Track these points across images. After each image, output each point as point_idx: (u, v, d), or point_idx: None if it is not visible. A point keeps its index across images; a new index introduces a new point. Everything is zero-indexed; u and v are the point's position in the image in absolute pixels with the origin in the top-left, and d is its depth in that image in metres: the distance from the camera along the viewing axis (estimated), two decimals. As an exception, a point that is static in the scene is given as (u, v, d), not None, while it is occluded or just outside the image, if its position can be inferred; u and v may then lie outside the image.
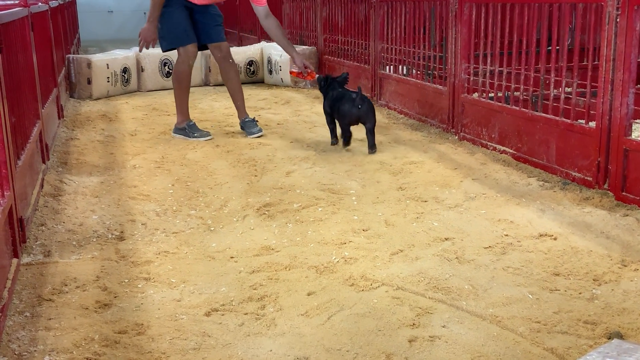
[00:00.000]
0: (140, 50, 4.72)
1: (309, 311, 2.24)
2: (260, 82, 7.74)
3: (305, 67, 4.77)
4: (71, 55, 6.67)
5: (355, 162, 4.13)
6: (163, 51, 4.86)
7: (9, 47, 3.05)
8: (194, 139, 4.81)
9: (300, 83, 7.24)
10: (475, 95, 4.54)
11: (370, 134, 4.35)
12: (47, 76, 4.86)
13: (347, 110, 4.34)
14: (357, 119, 4.35)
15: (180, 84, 4.84)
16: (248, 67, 7.65)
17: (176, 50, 4.77)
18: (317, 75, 4.75)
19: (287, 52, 4.83)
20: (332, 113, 4.56)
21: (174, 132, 4.93)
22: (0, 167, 2.54)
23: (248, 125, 4.93)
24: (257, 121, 5.00)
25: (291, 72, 5.01)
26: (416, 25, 5.35)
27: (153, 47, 4.70)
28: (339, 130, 4.55)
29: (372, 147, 4.36)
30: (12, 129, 2.84)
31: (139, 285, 2.47)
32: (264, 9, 4.73)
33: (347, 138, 4.46)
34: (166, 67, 7.26)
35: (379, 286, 2.41)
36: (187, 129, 4.87)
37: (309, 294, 2.37)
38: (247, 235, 2.98)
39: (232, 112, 5.87)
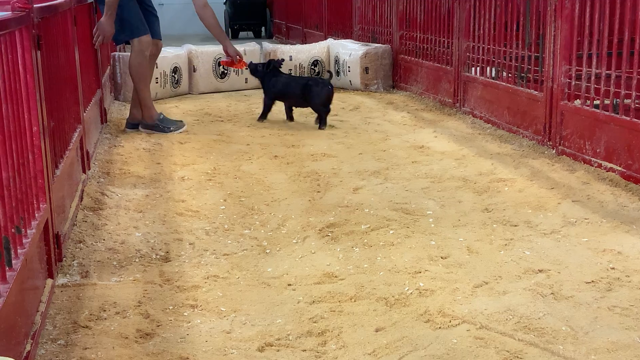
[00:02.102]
0: (97, 46, 5.22)
1: (377, 350, 2.23)
2: (326, 84, 7.78)
3: (237, 55, 5.66)
4: (117, 53, 6.85)
5: (433, 178, 4.10)
6: (116, 44, 5.52)
7: (49, 44, 3.17)
8: (170, 132, 5.37)
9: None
10: (578, 102, 4.45)
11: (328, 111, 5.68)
12: (90, 76, 5.02)
13: (320, 91, 5.55)
14: (329, 98, 5.59)
15: (141, 77, 5.35)
16: (312, 67, 7.71)
17: (130, 42, 5.32)
18: (249, 62, 5.94)
19: (220, 40, 5.62)
20: (277, 97, 5.76)
21: (144, 128, 5.46)
22: (36, 176, 2.63)
23: (166, 121, 5.41)
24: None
25: (222, 62, 6.12)
26: (508, 20, 5.29)
27: (108, 42, 5.22)
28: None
29: (325, 124, 5.61)
30: (50, 134, 2.94)
31: (184, 314, 2.50)
32: None
33: (325, 118, 5.59)
34: (221, 67, 7.39)
35: (459, 324, 2.38)
36: (159, 124, 5.41)
37: (377, 330, 2.35)
38: (307, 259, 2.98)
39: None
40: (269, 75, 5.78)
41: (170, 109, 6.49)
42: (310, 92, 5.57)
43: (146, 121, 5.44)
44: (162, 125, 5.43)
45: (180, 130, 5.43)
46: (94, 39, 5.12)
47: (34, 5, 2.76)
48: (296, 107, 5.86)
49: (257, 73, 5.89)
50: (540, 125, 4.81)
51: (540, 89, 4.84)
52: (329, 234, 3.25)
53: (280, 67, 5.85)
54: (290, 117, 5.85)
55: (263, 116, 5.87)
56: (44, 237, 2.64)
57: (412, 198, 3.75)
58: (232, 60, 5.66)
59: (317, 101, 5.59)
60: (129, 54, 5.41)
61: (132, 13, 5.19)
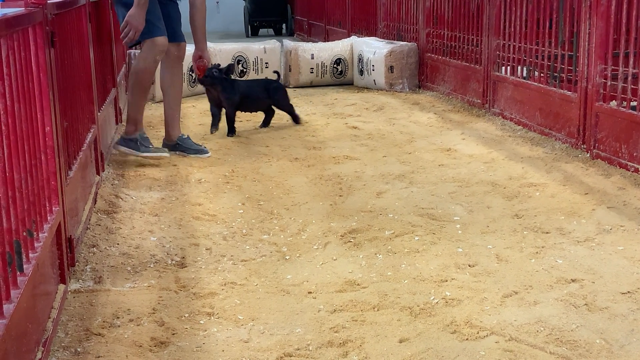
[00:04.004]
0: (128, 42, 4.57)
1: (401, 362, 2.22)
2: (348, 84, 7.80)
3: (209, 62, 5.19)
4: (133, 51, 6.89)
5: (460, 183, 4.08)
6: (129, 47, 5.03)
7: (63, 41, 3.19)
8: (146, 153, 4.66)
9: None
10: (614, 103, 4.42)
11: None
12: (105, 75, 5.06)
13: (285, 89, 5.81)
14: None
15: (142, 84, 4.74)
16: (335, 66, 7.72)
17: (142, 43, 4.64)
18: (207, 67, 5.16)
19: (199, 43, 5.02)
20: (240, 103, 5.45)
21: (119, 144, 4.75)
22: (49, 178, 2.65)
23: (189, 144, 4.84)
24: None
25: (198, 70, 5.16)
26: (540, 17, 5.26)
27: (137, 37, 4.55)
28: None
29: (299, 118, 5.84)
30: (63, 134, 2.96)
31: (200, 322, 2.51)
32: None
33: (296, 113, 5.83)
34: (240, 66, 7.42)
35: (487, 335, 2.36)
36: (139, 140, 4.69)
37: (401, 341, 2.35)
38: (328, 266, 2.98)
39: (315, 119, 5.92)
40: (227, 81, 5.37)
41: (188, 109, 6.52)
42: (277, 92, 5.68)
43: (126, 134, 4.74)
44: (139, 143, 4.69)
45: (159, 155, 4.70)
46: (123, 34, 4.51)
47: (48, 1, 2.79)
48: (256, 112, 5.78)
49: (214, 79, 5.31)
50: (574, 127, 4.78)
51: (574, 89, 4.80)
52: (351, 240, 3.25)
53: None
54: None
55: (232, 130, 5.42)
56: (56, 241, 2.66)
57: (438, 203, 3.74)
58: (205, 66, 5.06)
59: (287, 99, 5.77)
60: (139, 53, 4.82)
61: (150, 9, 4.59)
